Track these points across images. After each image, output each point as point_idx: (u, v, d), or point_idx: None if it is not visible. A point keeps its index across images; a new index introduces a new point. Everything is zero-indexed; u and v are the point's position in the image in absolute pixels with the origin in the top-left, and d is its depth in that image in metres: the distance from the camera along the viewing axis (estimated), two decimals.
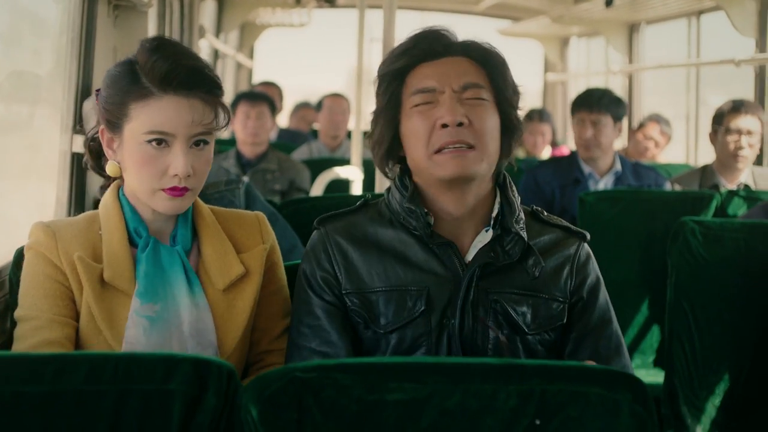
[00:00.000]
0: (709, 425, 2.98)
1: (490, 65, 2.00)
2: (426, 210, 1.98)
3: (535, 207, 2.08)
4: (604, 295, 2.06)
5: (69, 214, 3.04)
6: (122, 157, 1.96)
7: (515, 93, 2.02)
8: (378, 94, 2.04)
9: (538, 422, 1.49)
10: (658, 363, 3.77)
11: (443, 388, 1.49)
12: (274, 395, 1.47)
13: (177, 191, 1.91)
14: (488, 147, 1.95)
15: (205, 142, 1.94)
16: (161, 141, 1.89)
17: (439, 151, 1.93)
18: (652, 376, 3.60)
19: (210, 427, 1.49)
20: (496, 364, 1.55)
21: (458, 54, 2.00)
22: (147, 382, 1.48)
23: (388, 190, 2.07)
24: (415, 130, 1.96)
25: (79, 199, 3.09)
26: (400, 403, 1.49)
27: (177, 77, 1.88)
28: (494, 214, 2.00)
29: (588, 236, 2.07)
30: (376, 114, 2.04)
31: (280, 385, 1.47)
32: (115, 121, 1.93)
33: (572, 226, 2.07)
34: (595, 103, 4.43)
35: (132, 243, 1.98)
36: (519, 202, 2.03)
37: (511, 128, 2.01)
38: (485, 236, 1.99)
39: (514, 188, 2.05)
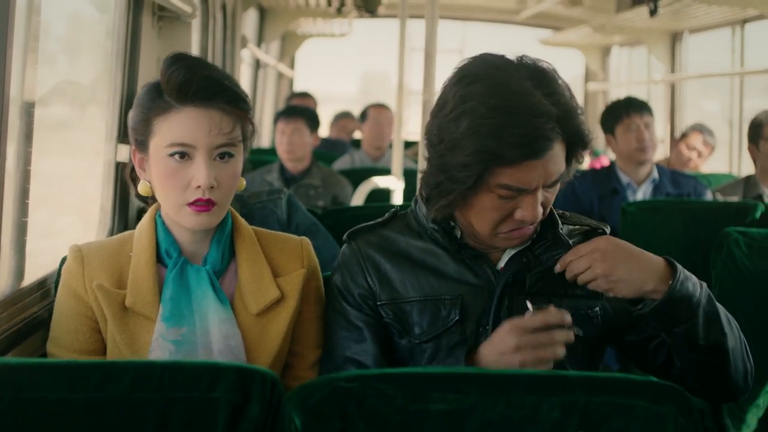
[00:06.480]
0: None
1: (574, 136, 1.87)
2: (453, 224, 1.98)
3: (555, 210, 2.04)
4: None
5: (113, 223, 3.07)
6: (150, 175, 1.96)
7: (587, 140, 1.90)
8: (457, 157, 1.82)
9: None
10: None
11: (486, 399, 1.49)
12: (317, 404, 1.48)
13: (202, 204, 1.89)
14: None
15: (230, 155, 1.91)
16: (183, 154, 1.88)
17: (504, 231, 1.91)
18: None
19: None
20: (539, 375, 1.54)
21: (557, 140, 1.83)
22: (192, 391, 1.49)
23: (415, 201, 2.05)
24: (487, 213, 1.88)
25: (123, 208, 3.11)
26: (443, 413, 1.49)
27: (193, 86, 1.87)
28: None
29: (607, 230, 2.03)
30: (450, 180, 1.86)
31: (323, 395, 1.48)
32: (142, 139, 1.94)
33: (592, 223, 2.05)
34: (645, 107, 4.48)
35: (163, 264, 1.98)
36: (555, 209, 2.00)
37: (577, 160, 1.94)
38: None
39: None
